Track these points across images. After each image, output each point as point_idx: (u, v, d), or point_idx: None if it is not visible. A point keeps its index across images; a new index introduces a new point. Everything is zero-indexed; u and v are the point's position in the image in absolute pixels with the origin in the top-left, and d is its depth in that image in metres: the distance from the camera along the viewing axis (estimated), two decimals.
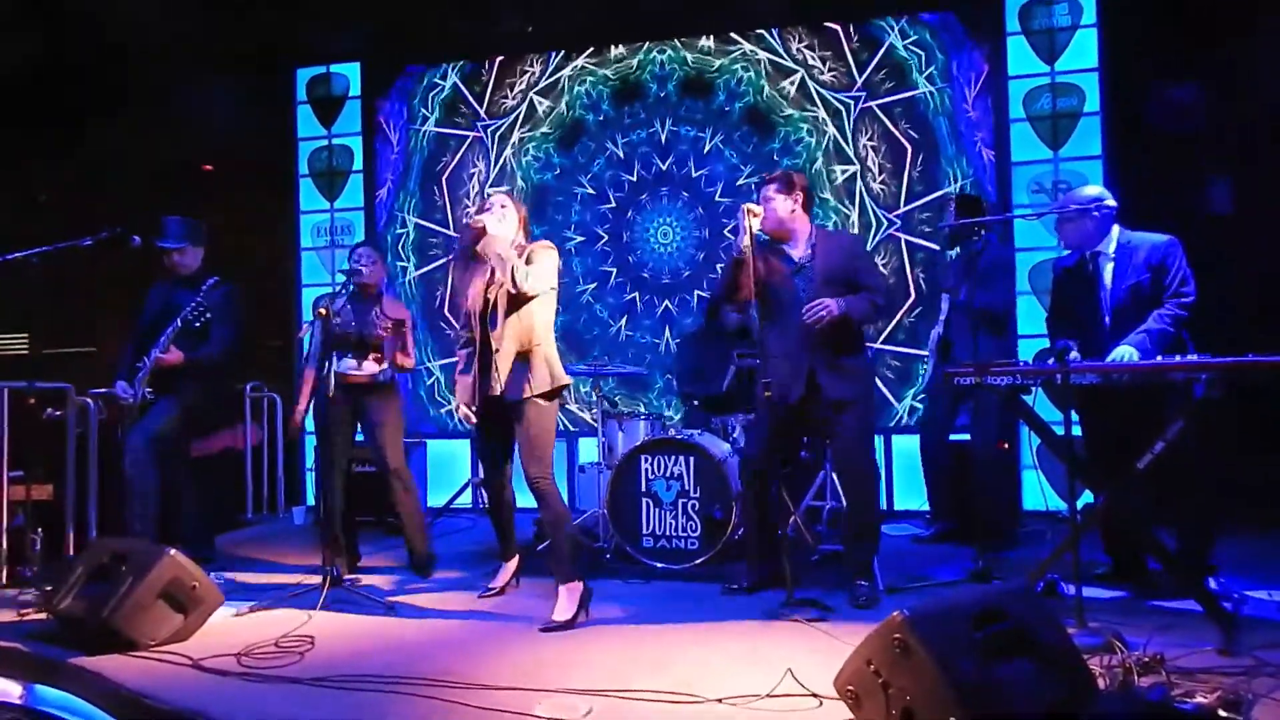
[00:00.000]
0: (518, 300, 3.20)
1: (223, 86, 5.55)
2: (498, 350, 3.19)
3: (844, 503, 3.64)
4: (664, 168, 5.66)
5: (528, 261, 3.20)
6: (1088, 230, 3.36)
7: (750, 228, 3.23)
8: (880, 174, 5.39)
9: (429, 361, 5.92)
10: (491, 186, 3.35)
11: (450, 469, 5.75)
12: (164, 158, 5.79)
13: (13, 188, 6.10)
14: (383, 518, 4.93)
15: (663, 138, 5.66)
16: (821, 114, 5.46)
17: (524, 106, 5.82)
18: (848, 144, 5.43)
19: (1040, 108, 5.16)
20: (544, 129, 5.79)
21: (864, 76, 5.41)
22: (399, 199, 5.95)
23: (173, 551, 2.95)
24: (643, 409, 5.39)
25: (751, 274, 3.24)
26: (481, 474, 3.41)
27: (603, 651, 2.78)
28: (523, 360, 3.21)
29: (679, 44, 5.65)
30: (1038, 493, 4.63)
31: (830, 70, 5.46)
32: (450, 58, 5.89)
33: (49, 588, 3.16)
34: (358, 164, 5.93)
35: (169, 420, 3.87)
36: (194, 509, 4.21)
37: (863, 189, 5.41)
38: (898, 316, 5.26)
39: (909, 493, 5.19)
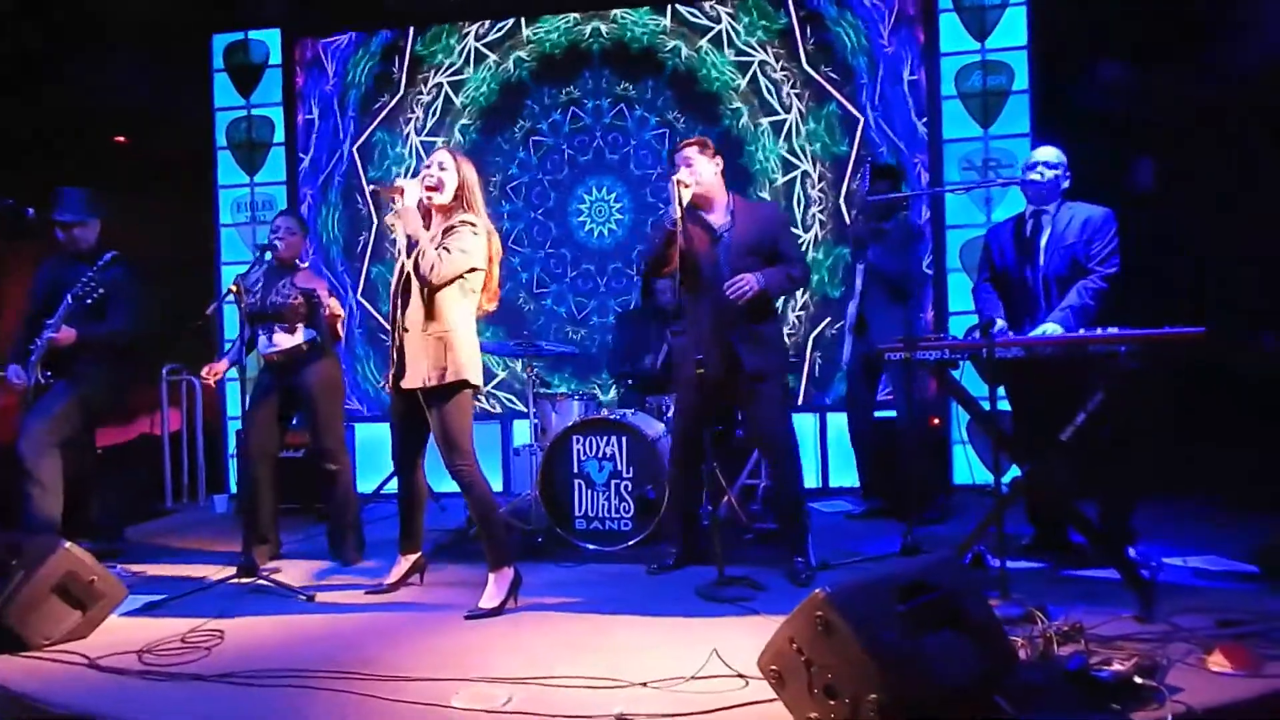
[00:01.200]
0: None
1: (136, 53, 5.24)
2: (406, 332, 3.00)
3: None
4: (598, 139, 5.53)
5: (444, 235, 2.97)
6: (1046, 189, 3.37)
7: (681, 199, 3.15)
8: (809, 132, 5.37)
9: (357, 342, 5.73)
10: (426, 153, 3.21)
11: (379, 453, 5.56)
12: (73, 128, 5.44)
13: None
14: (310, 504, 4.77)
15: (595, 107, 5.53)
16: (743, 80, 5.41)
17: (452, 74, 5.62)
18: (772, 97, 5.39)
19: (971, 85, 5.19)
20: (473, 96, 5.61)
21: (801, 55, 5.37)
22: (322, 172, 5.72)
23: (68, 545, 2.77)
24: (575, 389, 5.29)
25: (676, 248, 3.18)
26: (393, 458, 3.22)
27: (527, 638, 2.70)
28: (430, 347, 2.97)
29: (600, 14, 5.52)
30: (966, 467, 4.72)
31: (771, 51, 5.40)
32: (374, 26, 5.65)
33: None
34: (279, 136, 5.67)
35: (67, 404, 3.64)
36: (102, 498, 4.01)
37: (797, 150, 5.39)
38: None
39: (842, 470, 5.22)
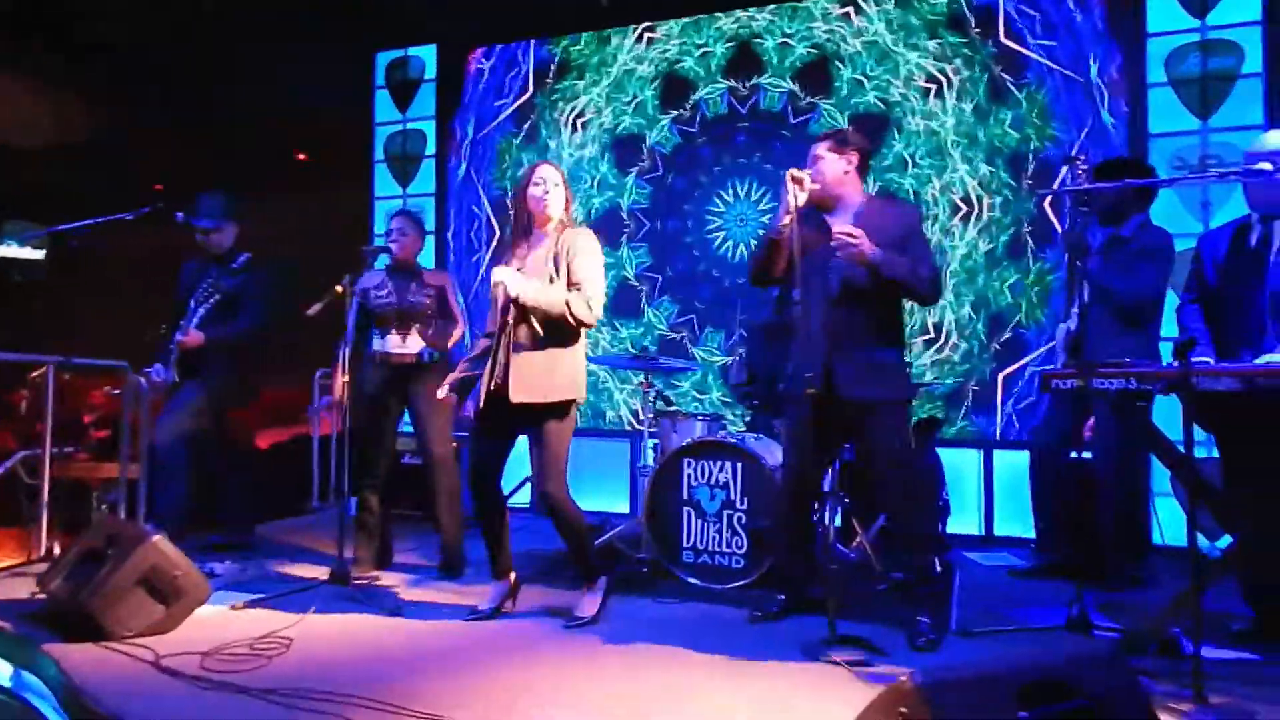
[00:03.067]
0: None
1: (309, 71, 5.54)
2: (515, 350, 2.87)
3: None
4: (739, 144, 5.19)
5: (566, 259, 2.89)
6: (1276, 193, 2.68)
7: (795, 200, 2.75)
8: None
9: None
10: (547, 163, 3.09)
11: (509, 464, 5.48)
12: (252, 142, 5.84)
13: (115, 169, 6.32)
14: (430, 512, 4.72)
15: (742, 109, 5.19)
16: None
17: (598, 83, 5.48)
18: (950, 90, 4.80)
19: (1188, 69, 4.36)
20: (620, 104, 5.44)
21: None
22: (472, 184, 5.75)
23: (156, 539, 2.78)
24: (704, 410, 4.94)
25: (785, 253, 2.77)
26: (471, 477, 3.03)
27: (599, 682, 2.39)
28: (547, 363, 2.87)
29: (747, 13, 5.17)
30: (1174, 526, 3.90)
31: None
32: (526, 35, 5.64)
33: (49, 566, 3.07)
34: (430, 148, 5.78)
35: (197, 402, 3.78)
36: (234, 494, 4.12)
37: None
38: None
39: (1012, 516, 4.51)
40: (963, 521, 4.64)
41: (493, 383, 2.90)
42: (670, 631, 2.88)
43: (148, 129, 6.16)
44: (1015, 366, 4.65)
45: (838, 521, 4.02)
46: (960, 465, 4.71)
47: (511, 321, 2.89)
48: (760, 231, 5.01)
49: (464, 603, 3.18)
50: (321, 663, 2.52)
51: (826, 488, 3.82)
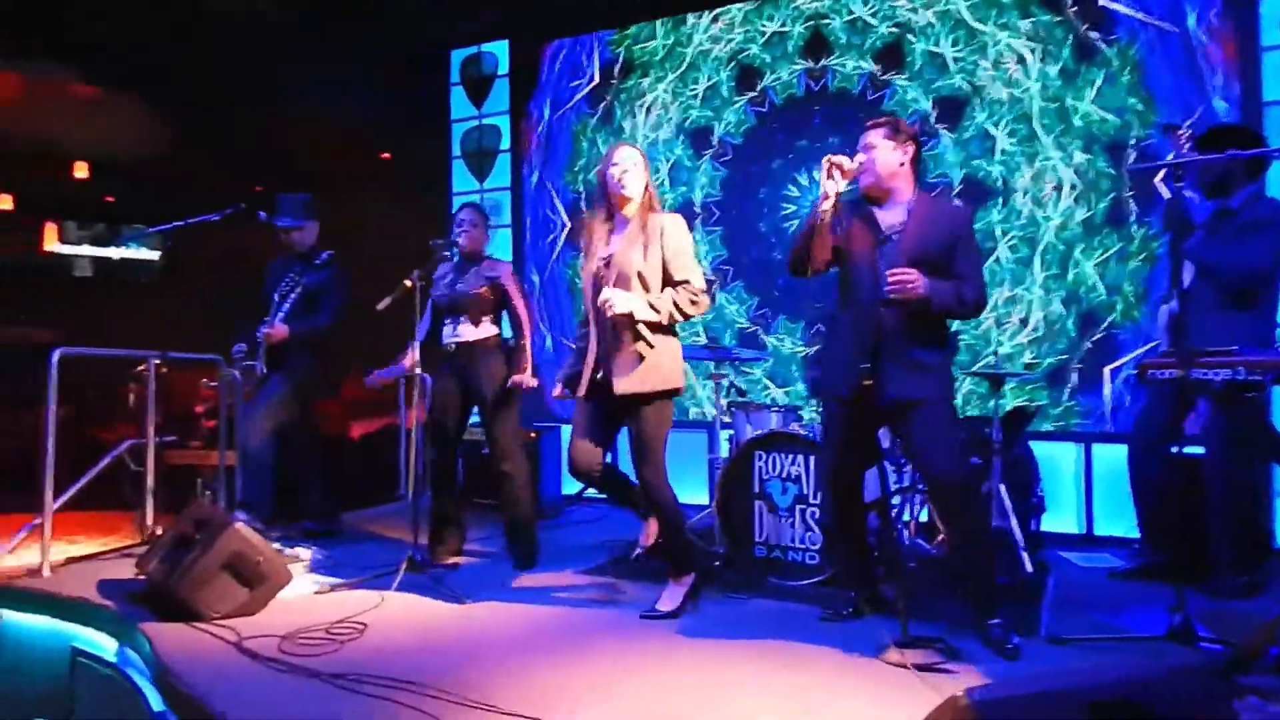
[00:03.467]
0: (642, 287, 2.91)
1: (388, 72, 5.69)
2: (613, 340, 2.91)
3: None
4: (814, 127, 5.03)
5: (659, 246, 2.91)
6: None
7: (835, 187, 2.62)
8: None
9: (565, 340, 5.73)
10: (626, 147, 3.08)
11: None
12: (331, 142, 6.04)
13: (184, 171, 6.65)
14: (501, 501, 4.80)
15: (816, 88, 5.03)
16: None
17: (663, 79, 5.41)
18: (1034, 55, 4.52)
19: None
20: (690, 90, 5.36)
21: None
22: (545, 175, 5.79)
23: (239, 525, 2.91)
24: (780, 401, 4.82)
25: (827, 242, 2.66)
26: (572, 461, 3.06)
27: (660, 678, 2.36)
28: (645, 353, 2.90)
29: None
30: None
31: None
32: (595, 27, 5.61)
33: (147, 549, 3.26)
34: (505, 143, 5.84)
35: (281, 394, 3.94)
36: (319, 483, 4.28)
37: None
38: None
39: (1116, 514, 4.23)
40: (1061, 519, 4.40)
41: (594, 374, 2.96)
42: (737, 627, 2.83)
43: (238, 134, 6.46)
44: (1117, 363, 4.36)
45: (922, 516, 3.87)
46: (1058, 459, 4.46)
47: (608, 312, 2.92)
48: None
49: (531, 590, 3.21)
50: (390, 649, 2.58)
51: (906, 482, 3.70)
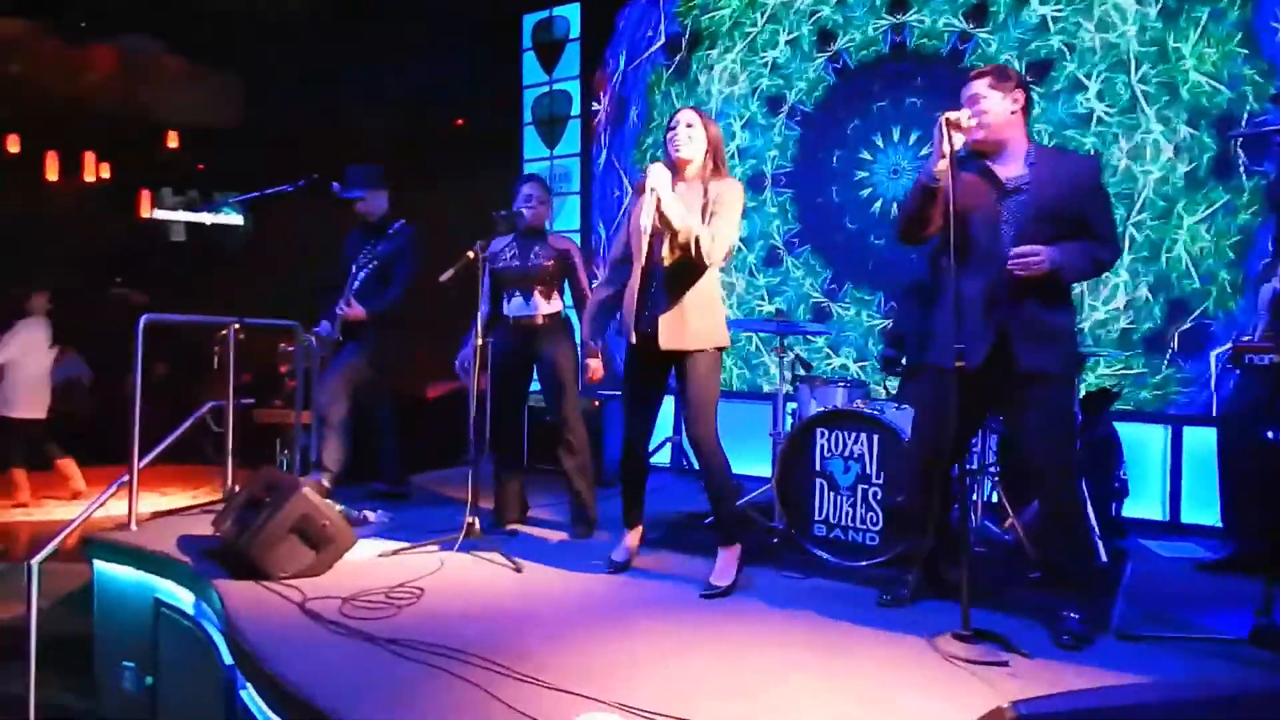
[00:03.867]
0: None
1: (461, 40, 5.70)
2: (659, 296, 2.91)
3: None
4: (891, 88, 4.82)
5: (711, 209, 2.86)
6: None
7: (950, 145, 2.46)
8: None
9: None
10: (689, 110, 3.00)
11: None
12: (408, 110, 6.11)
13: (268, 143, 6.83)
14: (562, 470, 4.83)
15: (898, 47, 4.81)
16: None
17: (730, 49, 5.25)
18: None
19: None
20: (760, 59, 5.20)
21: None
22: (616, 144, 5.72)
23: (306, 490, 3.00)
24: (846, 375, 4.70)
25: (941, 205, 2.52)
26: (625, 436, 3.09)
27: (706, 656, 2.34)
28: (691, 312, 2.90)
29: None
30: None
31: None
32: None
33: (222, 509, 3.40)
34: (575, 109, 5.79)
35: (355, 362, 4.05)
36: (390, 447, 4.40)
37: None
38: None
39: (1201, 502, 4.00)
40: (1144, 505, 4.18)
41: (641, 330, 2.95)
42: (791, 608, 2.78)
43: (320, 104, 6.59)
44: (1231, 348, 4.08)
45: (992, 498, 3.73)
46: (1146, 441, 4.23)
47: (658, 263, 2.90)
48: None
49: (591, 562, 3.24)
50: (444, 616, 2.64)
51: (977, 463, 3.56)
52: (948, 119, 2.47)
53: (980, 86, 2.56)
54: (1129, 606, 2.88)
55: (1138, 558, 3.56)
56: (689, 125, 2.93)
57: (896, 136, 4.82)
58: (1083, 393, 3.67)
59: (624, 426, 3.15)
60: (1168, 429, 4.17)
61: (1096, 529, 3.35)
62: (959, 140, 2.50)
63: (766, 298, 5.10)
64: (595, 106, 5.72)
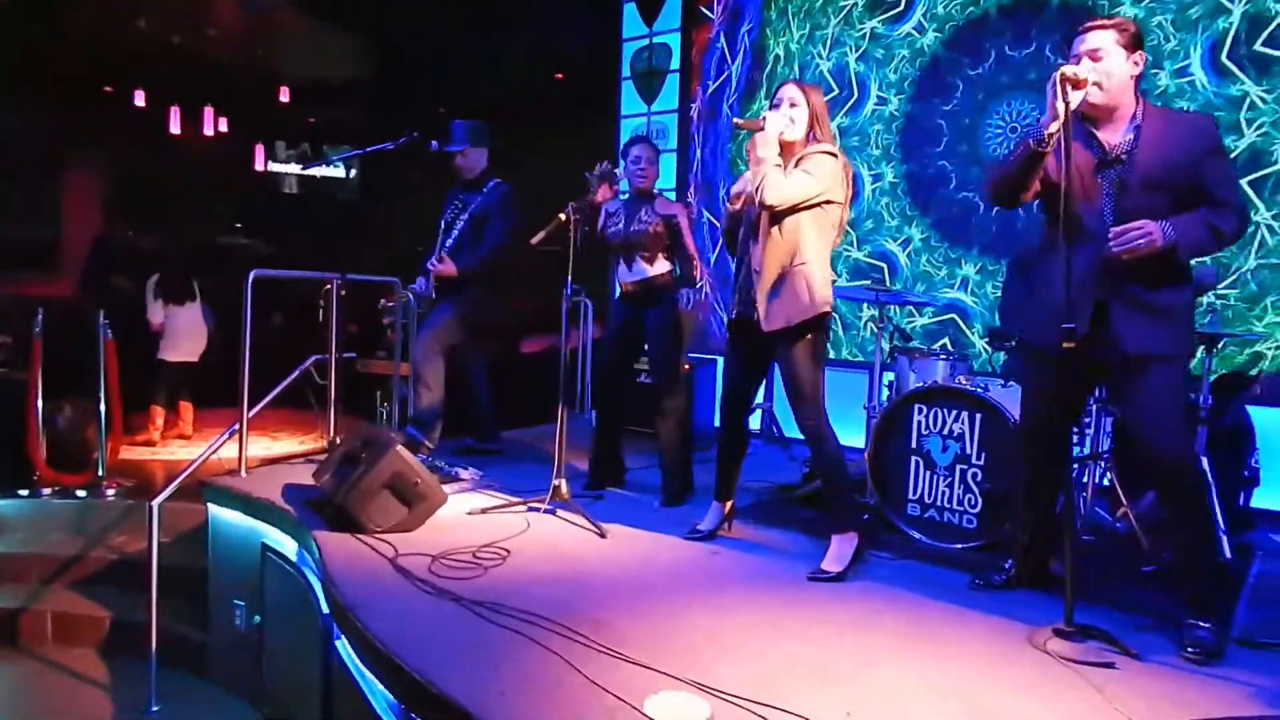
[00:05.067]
0: (781, 213, 2.77)
1: None
2: (758, 273, 2.83)
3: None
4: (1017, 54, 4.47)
5: (799, 165, 2.78)
6: None
7: (1066, 103, 2.22)
8: None
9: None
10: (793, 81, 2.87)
11: None
12: (510, 63, 6.08)
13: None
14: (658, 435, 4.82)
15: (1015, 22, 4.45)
16: None
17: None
18: None
19: None
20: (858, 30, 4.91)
21: None
22: (723, 100, 5.54)
23: (399, 448, 3.08)
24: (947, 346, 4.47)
25: (1041, 170, 2.32)
26: (721, 404, 3.07)
27: (787, 639, 2.29)
28: (781, 283, 2.80)
29: None
30: None
31: None
32: None
33: (323, 461, 3.53)
34: (675, 62, 5.64)
35: (448, 319, 4.10)
36: (484, 403, 4.48)
37: None
38: None
39: None
40: (1276, 496, 3.85)
41: (742, 305, 2.91)
42: (882, 589, 2.70)
43: (425, 59, 6.65)
44: None
45: (1104, 481, 3.51)
46: (1270, 425, 3.88)
47: (759, 236, 2.83)
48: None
49: (677, 530, 3.22)
50: (528, 579, 2.67)
51: (1089, 447, 3.34)
52: (1063, 74, 2.23)
53: (1104, 40, 2.29)
54: (1254, 609, 2.66)
55: (1267, 554, 3.29)
56: (793, 105, 2.83)
57: (1015, 103, 4.49)
58: (1214, 376, 3.38)
59: (722, 400, 3.09)
60: None
61: (1222, 522, 3.10)
62: (1077, 99, 2.26)
63: (869, 254, 4.89)
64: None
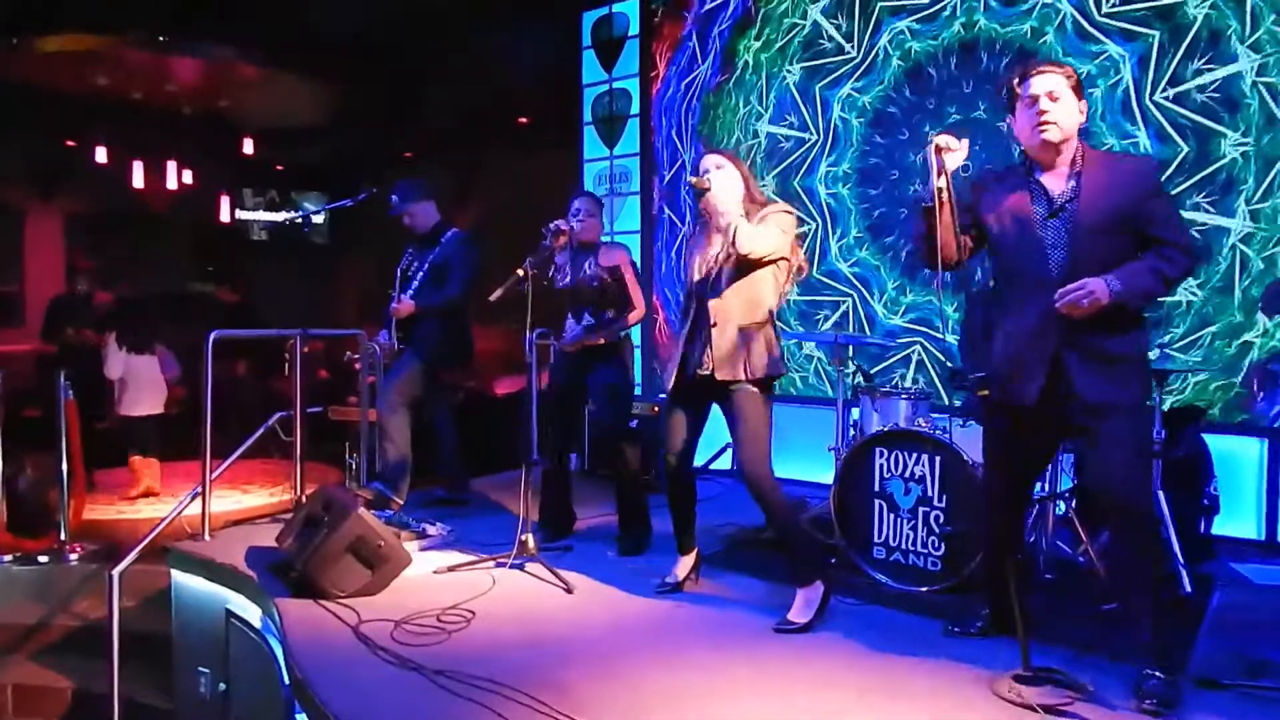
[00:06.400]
0: (744, 269, 2.84)
1: (514, 33, 5.69)
2: (714, 325, 2.87)
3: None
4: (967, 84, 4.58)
5: (759, 224, 2.84)
6: None
7: (943, 167, 2.30)
8: None
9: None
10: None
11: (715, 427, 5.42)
12: (475, 108, 6.14)
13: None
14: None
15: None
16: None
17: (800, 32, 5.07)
18: None
19: None
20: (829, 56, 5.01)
21: None
22: (677, 146, 5.62)
23: (361, 510, 3.06)
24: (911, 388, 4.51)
25: (953, 232, 2.37)
26: (664, 455, 3.06)
27: (755, 696, 2.29)
28: (743, 338, 2.85)
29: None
30: None
31: None
32: None
33: (286, 523, 3.50)
34: (635, 107, 5.72)
35: (412, 369, 4.10)
36: (450, 455, 4.46)
37: None
38: None
39: None
40: (1239, 524, 3.91)
41: (694, 361, 2.92)
42: (849, 640, 2.71)
43: (388, 104, 6.69)
44: None
45: (1061, 510, 3.53)
46: (1239, 454, 3.95)
47: (706, 297, 2.89)
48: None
49: (644, 581, 3.21)
50: (491, 644, 2.65)
51: (1047, 488, 3.37)
52: (937, 145, 2.32)
53: (1058, 83, 2.31)
54: (1213, 644, 2.69)
55: (1227, 584, 3.34)
56: (719, 167, 2.89)
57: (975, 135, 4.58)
58: (1167, 406, 3.45)
59: (664, 448, 3.08)
60: (1264, 441, 3.88)
61: (1180, 555, 3.15)
62: (953, 161, 2.34)
63: (823, 278, 4.92)
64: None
